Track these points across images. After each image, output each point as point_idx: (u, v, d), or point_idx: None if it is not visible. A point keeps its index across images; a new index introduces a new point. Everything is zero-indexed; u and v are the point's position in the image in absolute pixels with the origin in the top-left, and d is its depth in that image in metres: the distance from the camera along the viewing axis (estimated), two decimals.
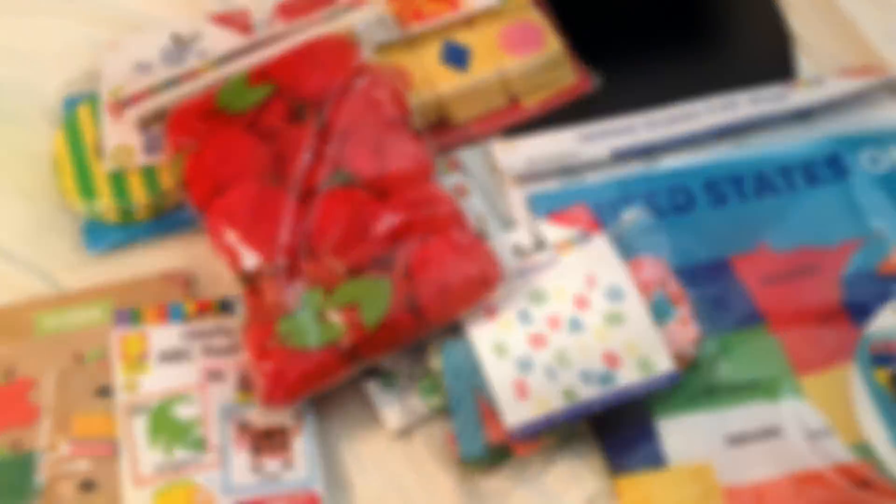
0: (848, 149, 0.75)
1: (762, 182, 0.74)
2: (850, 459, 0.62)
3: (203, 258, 0.73)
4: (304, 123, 0.68)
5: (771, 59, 0.84)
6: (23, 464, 0.62)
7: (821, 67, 0.83)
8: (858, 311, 0.67)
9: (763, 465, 0.62)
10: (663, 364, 0.62)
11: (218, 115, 0.69)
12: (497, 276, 0.63)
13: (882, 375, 0.64)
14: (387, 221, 0.65)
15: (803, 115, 0.78)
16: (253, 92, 0.69)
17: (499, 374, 0.62)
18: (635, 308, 0.64)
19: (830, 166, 0.74)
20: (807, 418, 0.64)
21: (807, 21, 0.85)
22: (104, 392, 0.64)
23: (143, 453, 0.61)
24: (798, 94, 0.79)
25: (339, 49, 0.72)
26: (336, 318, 0.62)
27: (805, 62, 0.84)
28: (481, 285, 0.63)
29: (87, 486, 0.61)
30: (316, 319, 0.62)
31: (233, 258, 0.64)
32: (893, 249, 0.70)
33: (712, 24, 0.85)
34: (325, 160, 0.67)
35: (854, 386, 0.64)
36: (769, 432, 0.63)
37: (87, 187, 0.72)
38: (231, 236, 0.64)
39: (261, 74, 0.70)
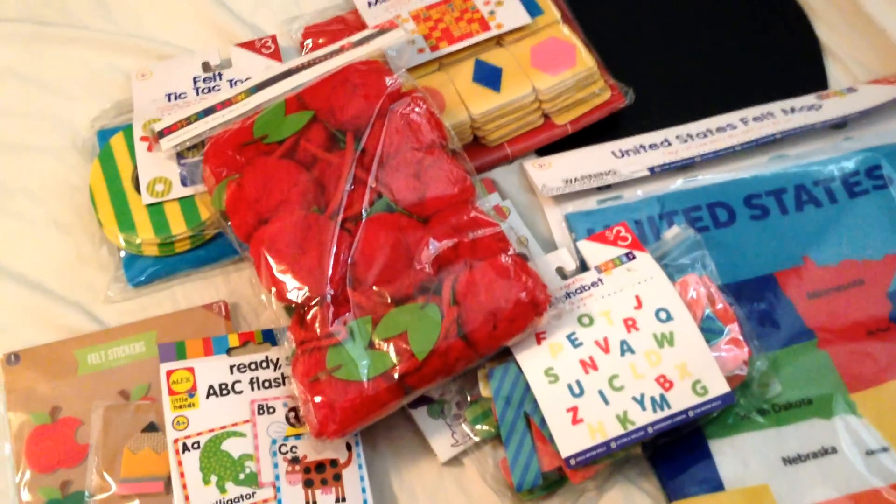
0: (887, 158, 0.74)
1: (803, 195, 0.73)
2: None
3: (242, 288, 0.72)
4: (342, 150, 0.68)
5: (801, 68, 0.84)
6: None
7: (850, 76, 0.83)
8: None
9: (821, 485, 0.61)
10: (717, 385, 0.62)
11: (256, 145, 0.68)
12: (546, 299, 0.63)
13: None
14: (432, 247, 0.64)
15: (838, 125, 0.78)
16: (291, 120, 0.69)
17: (551, 401, 0.62)
18: (685, 328, 0.63)
19: (871, 177, 0.73)
20: (863, 435, 0.63)
21: (835, 30, 0.84)
22: (151, 428, 0.64)
23: (195, 491, 0.60)
24: (832, 104, 0.78)
25: (374, 74, 0.71)
26: (385, 347, 0.61)
27: (834, 71, 0.83)
28: (531, 310, 0.62)
29: None
30: (365, 350, 0.61)
31: (279, 290, 0.63)
32: None
33: (741, 35, 0.85)
34: (365, 187, 0.66)
35: None
36: (825, 451, 0.63)
37: (125, 220, 0.71)
38: (277, 268, 0.63)
39: (297, 102, 0.70)
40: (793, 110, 0.78)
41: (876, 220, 0.71)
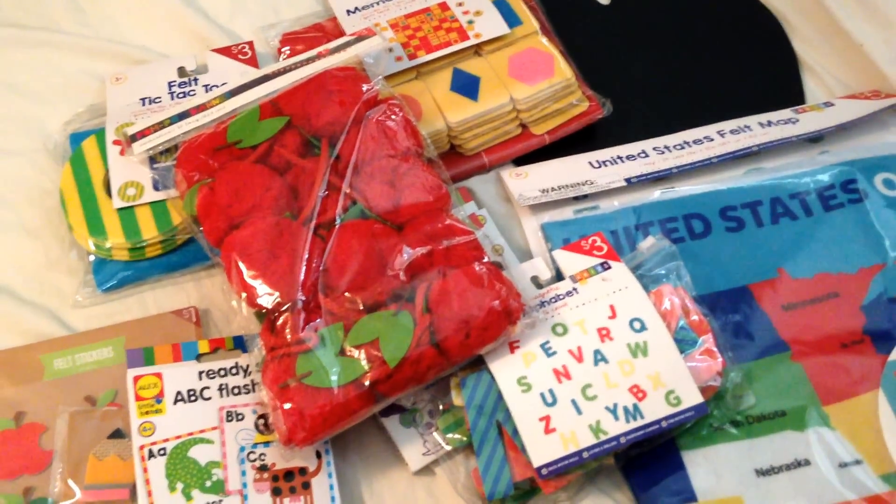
0: (863, 173, 0.74)
1: (778, 207, 0.73)
2: (882, 490, 0.61)
3: (214, 294, 0.72)
4: (317, 156, 0.67)
5: (778, 83, 0.84)
6: None
7: (827, 91, 0.83)
8: (881, 337, 0.67)
9: (794, 498, 0.61)
10: (691, 396, 0.61)
11: (230, 150, 0.68)
12: (519, 308, 0.62)
13: None
14: (405, 254, 0.63)
15: (815, 139, 0.78)
16: (265, 126, 0.68)
17: (523, 410, 0.61)
18: (659, 338, 0.63)
19: (846, 191, 0.73)
20: (835, 448, 0.63)
21: (812, 45, 0.85)
22: (118, 435, 0.63)
23: (161, 498, 0.59)
24: (809, 118, 0.78)
25: (350, 80, 0.71)
26: (356, 354, 0.61)
27: (811, 86, 0.83)
28: (504, 318, 0.62)
29: None
30: (336, 357, 0.61)
31: (250, 295, 0.62)
32: None
33: (719, 49, 0.85)
34: (339, 193, 0.66)
35: (881, 414, 0.63)
36: (798, 463, 0.62)
37: (96, 224, 0.71)
38: (248, 273, 0.63)
39: (272, 108, 0.69)
40: (770, 124, 0.78)
41: (851, 234, 0.71)
